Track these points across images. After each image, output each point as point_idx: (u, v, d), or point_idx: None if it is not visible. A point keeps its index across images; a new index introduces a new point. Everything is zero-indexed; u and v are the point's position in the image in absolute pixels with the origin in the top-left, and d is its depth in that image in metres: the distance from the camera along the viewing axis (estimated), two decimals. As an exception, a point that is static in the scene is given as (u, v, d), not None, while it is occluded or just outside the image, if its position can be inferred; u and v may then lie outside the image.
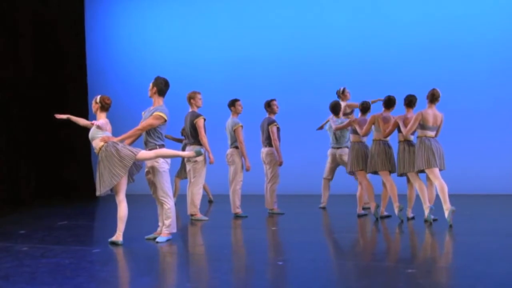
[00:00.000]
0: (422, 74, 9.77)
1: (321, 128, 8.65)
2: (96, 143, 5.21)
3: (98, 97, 5.48)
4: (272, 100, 8.01)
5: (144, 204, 7.82)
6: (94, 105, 5.48)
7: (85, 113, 10.42)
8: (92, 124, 5.29)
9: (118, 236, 5.31)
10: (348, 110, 8.33)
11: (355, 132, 7.14)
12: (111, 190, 5.28)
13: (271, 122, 7.84)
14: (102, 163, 5.13)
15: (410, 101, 6.55)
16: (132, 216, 5.77)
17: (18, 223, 7.67)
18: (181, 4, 12.48)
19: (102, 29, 13.13)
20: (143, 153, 5.19)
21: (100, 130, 5.28)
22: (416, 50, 10.33)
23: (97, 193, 5.24)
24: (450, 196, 6.20)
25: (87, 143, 7.22)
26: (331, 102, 7.84)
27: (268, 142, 7.85)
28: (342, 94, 8.46)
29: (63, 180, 11.53)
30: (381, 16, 10.80)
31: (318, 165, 9.10)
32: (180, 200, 8.99)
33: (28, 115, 10.87)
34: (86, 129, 5.70)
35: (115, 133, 5.56)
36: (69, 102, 11.44)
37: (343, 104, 8.21)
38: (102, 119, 5.41)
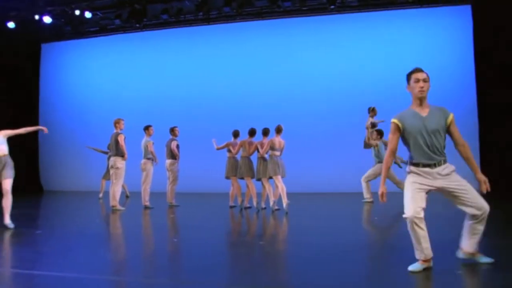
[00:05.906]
0: (275, 113, 10.59)
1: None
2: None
3: None
4: (174, 126, 8.87)
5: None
6: None
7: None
8: None
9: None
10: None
11: (229, 150, 8.18)
12: None
13: (173, 140, 8.68)
14: None
15: (266, 131, 7.78)
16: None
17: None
18: (114, 52, 13.16)
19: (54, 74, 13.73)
20: None
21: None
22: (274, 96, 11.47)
23: None
24: (289, 193, 7.39)
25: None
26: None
27: (171, 155, 8.61)
28: (371, 112, 8.71)
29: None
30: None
31: (208, 172, 9.81)
32: (105, 196, 9.36)
33: None
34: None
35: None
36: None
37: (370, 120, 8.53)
38: None
